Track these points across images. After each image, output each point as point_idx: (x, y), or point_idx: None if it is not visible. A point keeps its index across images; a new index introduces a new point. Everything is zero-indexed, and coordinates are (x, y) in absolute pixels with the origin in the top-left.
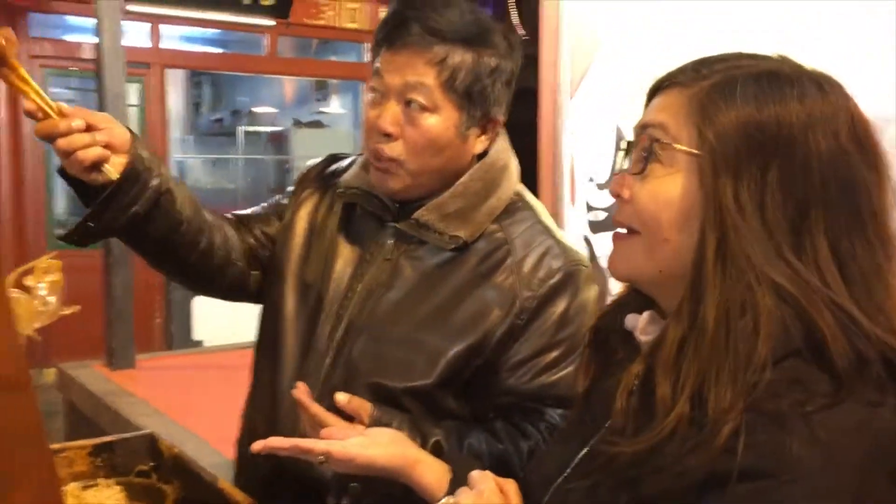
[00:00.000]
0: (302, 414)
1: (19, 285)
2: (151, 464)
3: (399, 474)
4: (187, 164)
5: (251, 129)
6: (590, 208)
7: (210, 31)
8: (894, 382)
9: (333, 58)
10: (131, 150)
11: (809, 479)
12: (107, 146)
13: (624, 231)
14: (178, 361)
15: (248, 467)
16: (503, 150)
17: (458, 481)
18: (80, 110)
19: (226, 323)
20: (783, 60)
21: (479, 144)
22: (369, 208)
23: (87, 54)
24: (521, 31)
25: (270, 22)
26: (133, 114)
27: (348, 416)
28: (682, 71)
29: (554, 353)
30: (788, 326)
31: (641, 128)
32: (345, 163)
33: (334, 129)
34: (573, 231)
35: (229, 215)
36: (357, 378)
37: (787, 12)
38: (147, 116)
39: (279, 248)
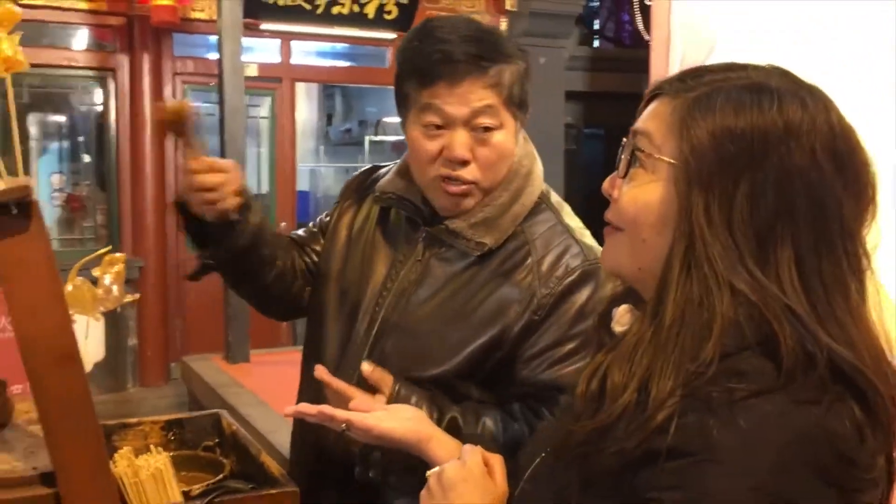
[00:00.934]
0: (325, 390)
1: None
2: (216, 440)
3: (414, 448)
4: (319, 172)
5: (376, 138)
6: None
7: (339, 46)
8: (836, 386)
9: None
10: (243, 191)
11: (726, 460)
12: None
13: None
14: (289, 357)
15: (299, 459)
16: (525, 156)
17: None
18: (217, 163)
19: None
20: (773, 72)
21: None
22: (403, 212)
23: None
24: (646, 37)
25: (392, 35)
26: (264, 125)
27: (372, 390)
28: (671, 81)
29: (569, 346)
30: (743, 327)
31: (632, 134)
32: (383, 171)
33: None
34: None
35: (289, 236)
36: (389, 371)
37: (803, 12)
38: (277, 128)
39: (323, 256)
